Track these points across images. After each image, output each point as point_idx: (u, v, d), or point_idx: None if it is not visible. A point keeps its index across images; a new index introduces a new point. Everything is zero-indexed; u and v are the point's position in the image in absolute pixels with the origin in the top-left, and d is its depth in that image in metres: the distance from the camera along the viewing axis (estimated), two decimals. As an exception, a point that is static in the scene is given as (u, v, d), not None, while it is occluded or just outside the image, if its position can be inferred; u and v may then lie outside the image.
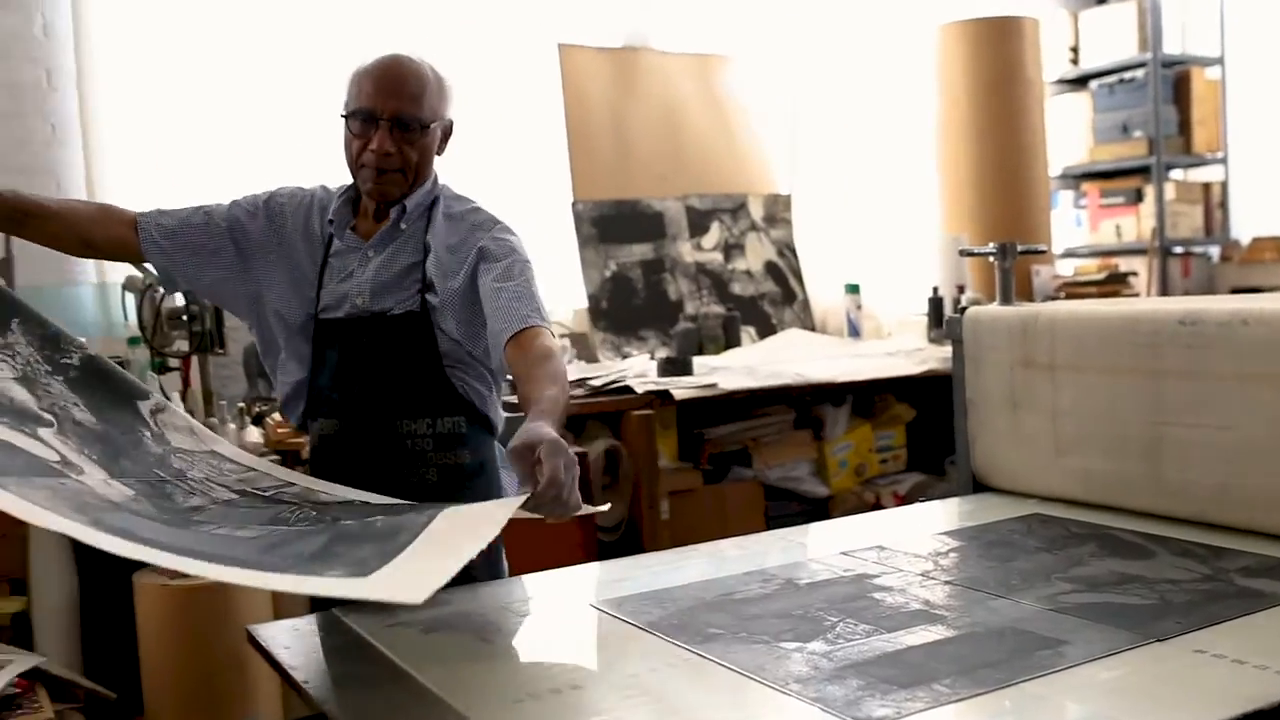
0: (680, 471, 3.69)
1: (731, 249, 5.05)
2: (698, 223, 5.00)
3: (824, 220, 5.29)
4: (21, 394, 1.90)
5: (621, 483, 3.43)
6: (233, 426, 3.10)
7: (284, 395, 2.25)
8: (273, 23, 4.12)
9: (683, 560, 2.15)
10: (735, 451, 3.87)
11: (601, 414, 3.49)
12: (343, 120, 2.14)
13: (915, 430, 4.26)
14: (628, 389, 3.53)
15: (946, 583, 1.84)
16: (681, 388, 3.52)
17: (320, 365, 2.19)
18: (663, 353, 4.29)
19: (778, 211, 5.21)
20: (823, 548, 2.15)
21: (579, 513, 1.69)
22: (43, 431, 1.82)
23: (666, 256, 4.87)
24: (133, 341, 3.34)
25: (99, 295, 3.64)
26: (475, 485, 2.18)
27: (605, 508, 1.87)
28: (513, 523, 2.16)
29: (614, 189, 4.80)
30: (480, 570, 2.00)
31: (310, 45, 4.14)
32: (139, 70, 3.83)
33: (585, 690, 1.53)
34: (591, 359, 4.33)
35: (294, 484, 2.06)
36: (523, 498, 1.62)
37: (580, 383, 3.55)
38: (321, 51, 4.12)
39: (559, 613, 1.82)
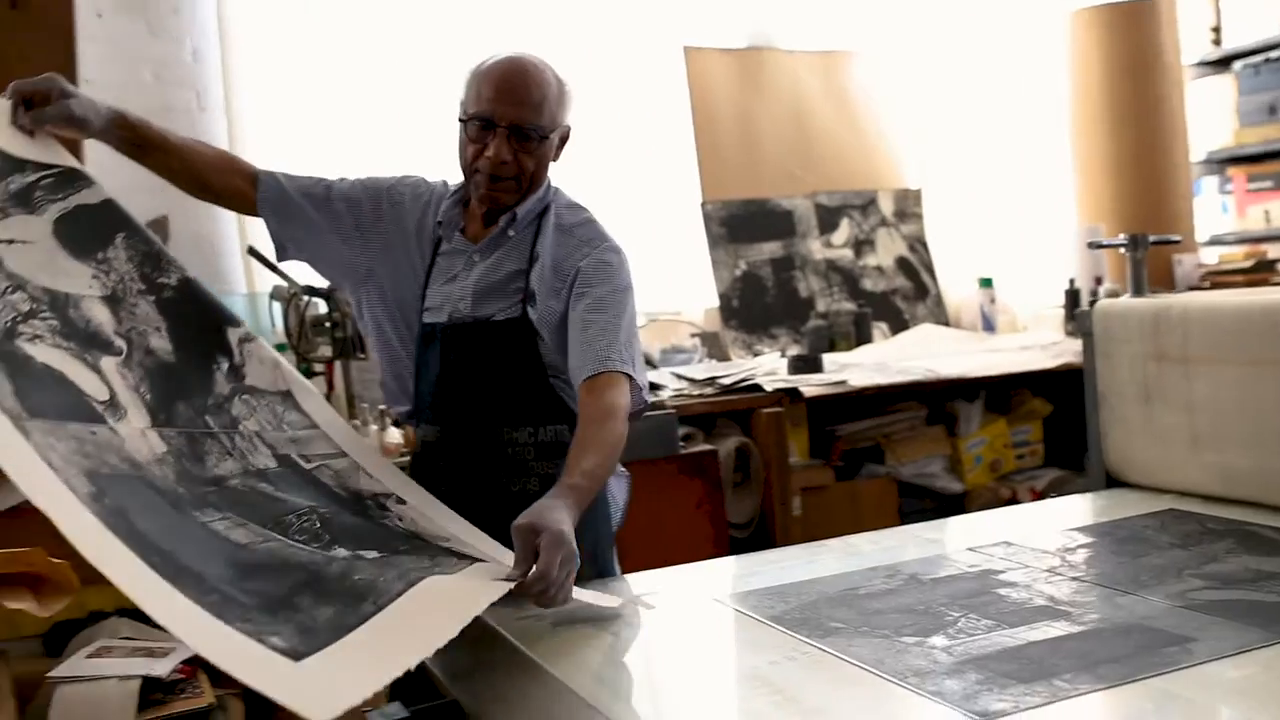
0: (812, 468, 3.68)
1: (862, 245, 5.03)
2: (827, 220, 4.99)
3: (956, 214, 5.22)
4: (101, 314, 1.87)
5: (752, 480, 3.46)
6: (374, 428, 3.21)
7: (384, 378, 2.24)
8: (408, 38, 4.24)
9: (810, 555, 2.17)
10: (867, 448, 3.86)
11: (731, 412, 3.52)
12: (460, 123, 2.08)
13: (1053, 425, 4.18)
14: (757, 387, 3.55)
15: (1074, 579, 1.83)
16: (811, 385, 3.53)
17: (421, 370, 2.16)
18: (794, 350, 4.29)
19: (908, 206, 5.17)
20: (951, 544, 2.15)
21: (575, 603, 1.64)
22: (105, 361, 1.78)
23: (796, 254, 4.88)
24: (280, 348, 3.48)
25: (249, 304, 3.81)
26: None
27: (615, 604, 1.76)
28: (639, 517, 2.19)
29: (742, 189, 4.82)
30: (586, 568, 1.95)
31: (446, 55, 4.25)
32: (282, 93, 3.99)
33: (708, 682, 1.57)
34: (723, 357, 4.35)
35: (344, 456, 2.02)
36: (509, 585, 1.58)
37: (710, 381, 3.59)
38: (457, 60, 4.23)
39: (685, 606, 1.86)
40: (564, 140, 2.14)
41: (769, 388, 3.52)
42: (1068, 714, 1.32)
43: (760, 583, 1.91)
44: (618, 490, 2.18)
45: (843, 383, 3.54)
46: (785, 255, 4.85)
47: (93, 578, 2.73)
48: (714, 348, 4.38)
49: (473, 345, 2.08)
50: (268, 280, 3.45)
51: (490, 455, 2.08)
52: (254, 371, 2.06)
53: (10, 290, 1.70)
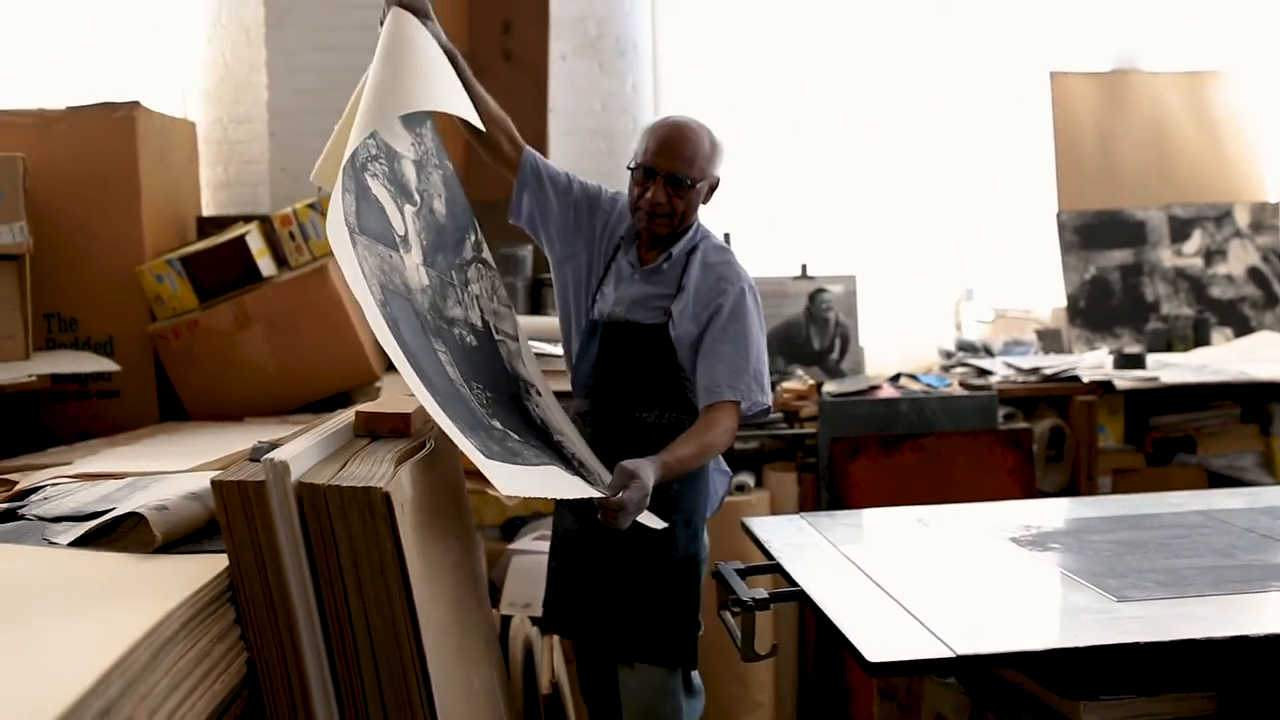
0: (1124, 452, 4.18)
1: (1213, 255, 5.36)
2: (1179, 230, 5.35)
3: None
4: (410, 173, 2.44)
5: (1064, 457, 4.02)
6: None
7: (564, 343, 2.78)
8: (816, 82, 4.94)
9: (1076, 506, 2.81)
10: (1179, 439, 4.27)
11: (1051, 397, 4.09)
12: (628, 170, 2.58)
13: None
14: (1077, 378, 4.10)
15: (1263, 536, 2.36)
16: (1125, 379, 4.02)
17: (584, 353, 2.66)
18: (1134, 349, 4.72)
19: (1265, 219, 5.43)
20: (1190, 506, 2.67)
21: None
22: (407, 208, 2.34)
23: (1146, 261, 5.29)
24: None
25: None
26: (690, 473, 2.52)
27: (661, 525, 2.34)
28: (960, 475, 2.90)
29: (1097, 200, 5.27)
30: (682, 534, 2.55)
31: (850, 92, 4.94)
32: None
33: (940, 569, 2.29)
34: (1062, 351, 4.88)
35: (516, 341, 2.66)
36: (597, 495, 2.18)
37: (1034, 370, 4.18)
38: (865, 94, 4.92)
39: (958, 530, 2.56)
40: (713, 189, 2.63)
41: (1086, 379, 4.06)
42: (1180, 604, 1.94)
43: (1020, 519, 2.59)
44: (719, 484, 2.73)
45: (1155, 379, 4.01)
46: (1135, 262, 5.28)
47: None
48: (1052, 343, 4.91)
49: (625, 342, 2.59)
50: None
51: (625, 429, 2.56)
52: (486, 251, 2.73)
53: (369, 136, 2.25)
